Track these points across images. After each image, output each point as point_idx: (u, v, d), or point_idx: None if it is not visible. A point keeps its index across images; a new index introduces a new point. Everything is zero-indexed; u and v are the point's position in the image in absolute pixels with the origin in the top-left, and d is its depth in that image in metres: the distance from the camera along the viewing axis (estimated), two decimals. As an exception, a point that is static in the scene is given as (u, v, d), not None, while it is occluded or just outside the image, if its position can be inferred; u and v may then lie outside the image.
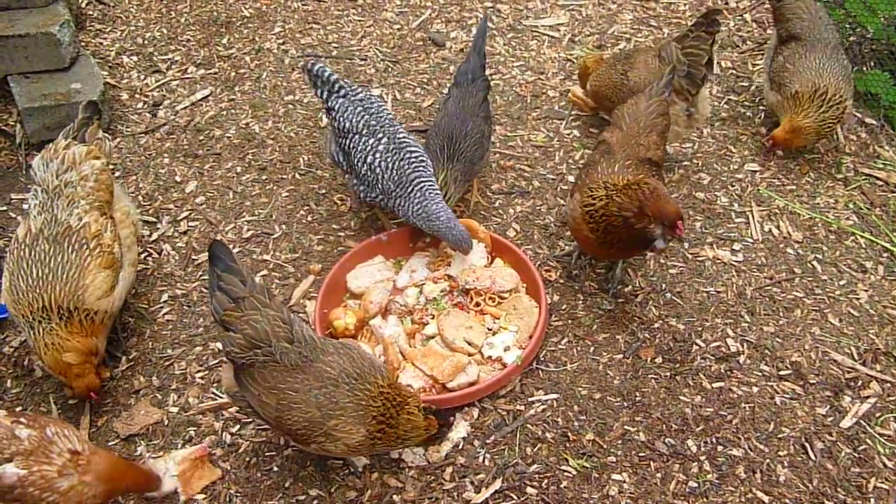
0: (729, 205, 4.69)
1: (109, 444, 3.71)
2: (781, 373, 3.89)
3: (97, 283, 3.68)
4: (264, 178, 4.93)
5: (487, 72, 4.80)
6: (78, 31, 5.70)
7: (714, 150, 5.02)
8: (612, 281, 4.22)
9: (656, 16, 6.01)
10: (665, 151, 4.23)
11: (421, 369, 3.76)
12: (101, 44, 5.93)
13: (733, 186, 4.80)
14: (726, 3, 6.11)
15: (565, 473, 3.53)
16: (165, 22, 6.11)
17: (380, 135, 4.16)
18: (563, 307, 4.17)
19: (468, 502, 3.44)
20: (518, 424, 3.69)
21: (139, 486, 3.34)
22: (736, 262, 4.38)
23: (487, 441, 3.63)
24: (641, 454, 3.59)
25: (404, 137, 4.19)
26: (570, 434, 3.65)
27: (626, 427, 3.68)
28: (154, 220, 4.71)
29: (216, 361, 4.00)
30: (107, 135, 4.29)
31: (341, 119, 4.22)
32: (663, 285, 4.26)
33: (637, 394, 3.80)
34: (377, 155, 4.12)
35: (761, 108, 5.26)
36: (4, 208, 4.86)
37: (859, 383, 3.84)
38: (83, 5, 6.12)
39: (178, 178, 4.96)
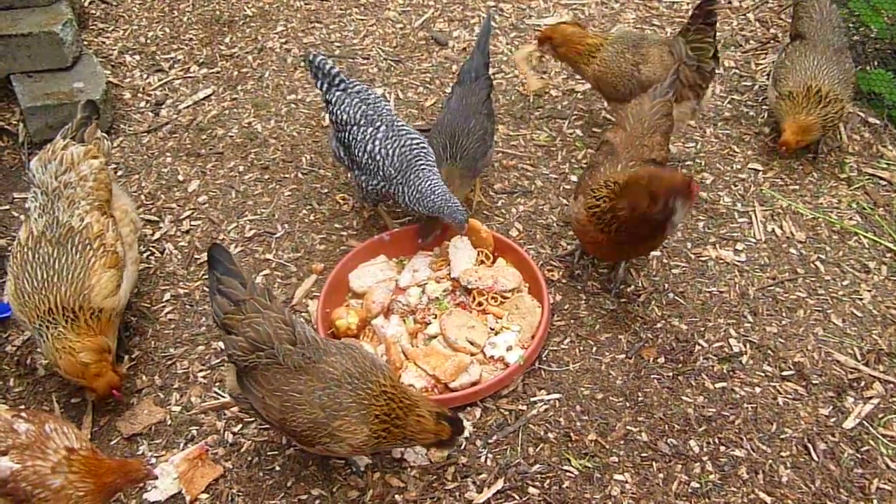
0: (732, 204, 4.68)
1: (112, 443, 3.72)
2: (784, 373, 3.88)
3: (103, 283, 3.69)
4: (267, 177, 4.93)
5: (490, 71, 4.79)
6: (80, 30, 5.70)
7: (717, 149, 5.01)
8: (615, 281, 4.22)
9: (659, 15, 6.00)
10: (668, 151, 4.22)
11: (423, 369, 3.76)
12: (103, 43, 5.94)
13: (736, 186, 4.79)
14: (729, 2, 6.10)
15: (567, 473, 3.53)
16: (168, 21, 6.12)
17: (378, 123, 4.17)
18: (566, 307, 4.17)
19: (470, 502, 3.44)
20: (520, 424, 3.69)
21: (129, 477, 3.25)
22: (739, 262, 4.37)
23: (489, 441, 3.63)
24: (644, 454, 3.58)
25: (403, 126, 4.20)
26: (572, 434, 3.65)
27: (628, 427, 3.67)
28: (157, 219, 4.72)
29: (218, 360, 4.01)
30: (105, 134, 4.29)
31: (339, 112, 4.23)
32: (666, 285, 4.25)
33: (639, 394, 3.79)
34: (376, 143, 4.12)
35: (764, 107, 5.25)
36: (7, 207, 4.87)
37: (862, 384, 3.83)
38: (86, 4, 6.13)
39: (180, 178, 4.96)
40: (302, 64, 5.64)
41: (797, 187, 4.79)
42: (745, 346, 3.99)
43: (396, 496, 3.47)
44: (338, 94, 4.27)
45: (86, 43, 5.73)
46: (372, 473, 3.55)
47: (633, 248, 3.95)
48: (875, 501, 3.43)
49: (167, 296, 4.33)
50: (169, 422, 3.79)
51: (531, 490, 3.47)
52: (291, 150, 5.09)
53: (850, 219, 4.60)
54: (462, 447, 3.61)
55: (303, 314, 4.17)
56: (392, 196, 4.21)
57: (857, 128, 5.13)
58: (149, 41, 5.95)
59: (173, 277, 4.41)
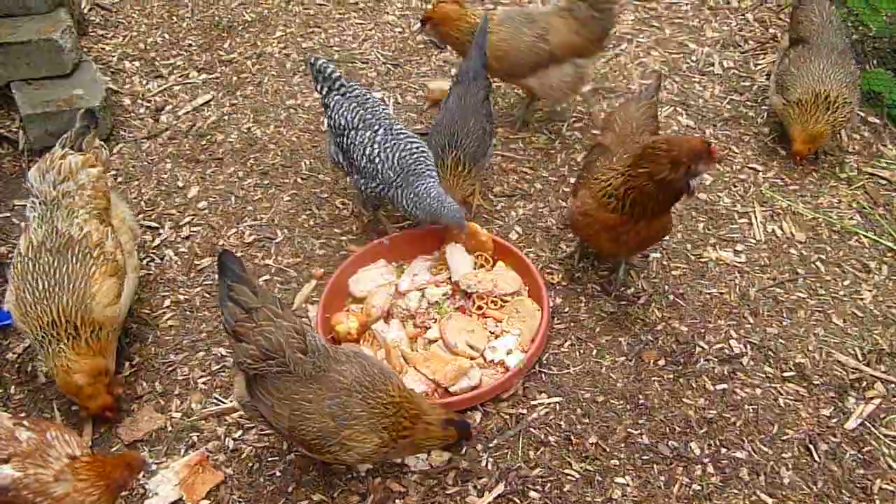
0: (731, 205, 4.67)
1: (113, 450, 3.72)
2: (785, 374, 3.87)
3: (104, 292, 3.68)
4: (266, 182, 4.94)
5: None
6: (80, 36, 5.71)
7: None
8: (615, 283, 4.21)
9: (658, 16, 5.99)
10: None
11: (423, 373, 3.75)
12: (103, 49, 5.95)
13: (736, 187, 4.78)
14: (728, 3, 6.09)
15: (568, 477, 3.52)
16: (167, 27, 6.13)
17: (376, 126, 4.17)
18: (566, 310, 4.16)
19: (471, 506, 3.45)
20: (521, 428, 3.68)
21: (132, 467, 3.25)
22: (739, 263, 4.36)
23: (490, 445, 3.63)
24: (645, 457, 3.58)
25: (401, 129, 4.20)
26: (572, 437, 3.64)
27: (629, 430, 3.67)
28: (156, 225, 4.72)
29: (219, 367, 4.01)
30: (103, 143, 4.30)
31: (337, 116, 4.23)
32: (666, 287, 4.25)
33: (640, 396, 3.79)
34: (375, 146, 4.12)
35: (764, 107, 5.24)
36: (8, 214, 4.87)
37: (864, 384, 3.82)
38: (85, 11, 6.13)
39: (180, 183, 4.97)
40: (301, 69, 5.65)
41: (797, 187, 4.78)
42: (745, 347, 3.98)
43: (397, 501, 3.46)
44: (336, 98, 4.27)
45: (85, 49, 5.74)
46: (373, 478, 3.54)
47: (647, 226, 3.80)
48: (878, 502, 3.42)
49: (167, 302, 4.33)
50: (169, 428, 3.79)
51: (532, 494, 3.46)
52: (291, 156, 5.09)
53: (851, 219, 4.59)
54: (463, 451, 3.61)
55: (303, 319, 4.17)
56: (390, 200, 4.22)
57: (857, 127, 5.12)
58: (148, 47, 5.96)
59: (173, 284, 4.42)
